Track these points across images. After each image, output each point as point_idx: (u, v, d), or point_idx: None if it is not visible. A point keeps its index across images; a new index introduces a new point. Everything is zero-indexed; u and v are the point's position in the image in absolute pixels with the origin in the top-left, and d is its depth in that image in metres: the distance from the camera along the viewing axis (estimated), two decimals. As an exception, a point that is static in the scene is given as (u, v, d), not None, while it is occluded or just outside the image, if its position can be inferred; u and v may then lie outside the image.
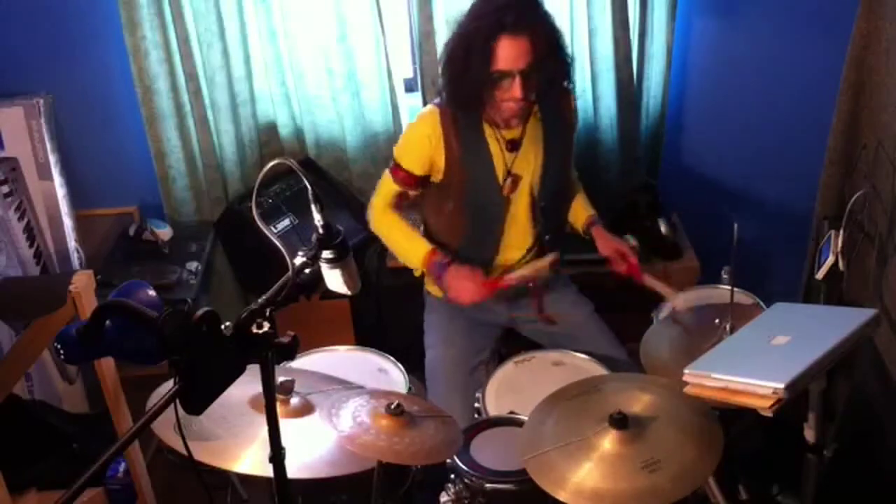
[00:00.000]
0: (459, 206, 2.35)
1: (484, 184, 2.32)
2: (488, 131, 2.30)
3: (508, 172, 2.32)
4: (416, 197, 2.44)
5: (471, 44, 2.14)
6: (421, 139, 2.30)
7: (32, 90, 2.85)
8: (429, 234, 2.49)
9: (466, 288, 2.28)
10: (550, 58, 2.19)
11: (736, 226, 1.88)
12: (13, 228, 2.78)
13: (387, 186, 2.39)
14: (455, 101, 2.25)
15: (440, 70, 2.28)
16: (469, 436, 1.95)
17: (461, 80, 2.19)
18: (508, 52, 2.10)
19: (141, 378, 2.08)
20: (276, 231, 2.81)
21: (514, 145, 2.32)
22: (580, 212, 2.52)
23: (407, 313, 2.64)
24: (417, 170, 2.33)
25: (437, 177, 2.34)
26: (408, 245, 2.40)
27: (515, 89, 2.13)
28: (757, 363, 1.65)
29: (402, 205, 2.42)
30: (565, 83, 2.32)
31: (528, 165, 2.34)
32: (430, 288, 2.53)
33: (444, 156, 2.29)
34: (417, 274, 2.46)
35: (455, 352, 2.36)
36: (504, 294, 2.48)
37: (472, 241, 2.38)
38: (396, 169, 2.36)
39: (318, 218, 1.50)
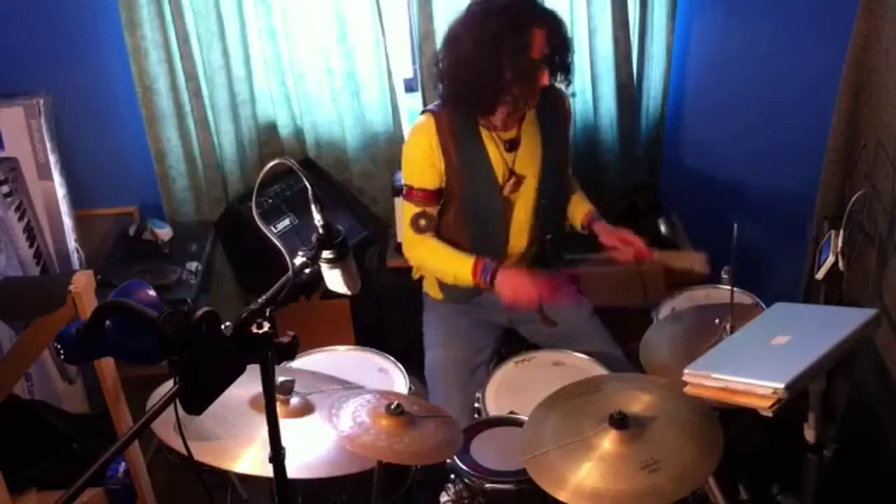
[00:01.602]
0: (460, 210, 2.35)
1: (484, 187, 2.32)
2: (485, 134, 2.30)
3: (511, 173, 2.32)
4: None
5: (500, 40, 2.12)
6: (421, 152, 2.29)
7: (32, 90, 2.85)
8: None
9: (522, 292, 2.21)
10: (564, 46, 2.23)
11: (736, 226, 1.88)
12: (13, 228, 2.78)
13: (408, 213, 2.35)
14: (473, 103, 2.23)
15: (447, 77, 2.24)
16: (469, 436, 1.95)
17: (491, 78, 2.15)
18: (540, 41, 2.15)
19: (141, 378, 2.08)
20: (276, 231, 2.81)
21: (512, 145, 2.32)
22: (578, 208, 2.52)
23: (407, 313, 2.63)
24: (431, 184, 2.31)
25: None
26: (451, 265, 2.33)
27: (545, 77, 2.17)
28: (757, 363, 1.65)
29: (428, 227, 2.35)
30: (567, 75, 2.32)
31: (530, 164, 2.34)
32: (429, 289, 2.53)
33: (443, 162, 2.29)
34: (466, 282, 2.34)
35: (455, 352, 2.36)
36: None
37: (478, 245, 2.37)
38: (410, 192, 2.32)
39: (318, 218, 1.50)
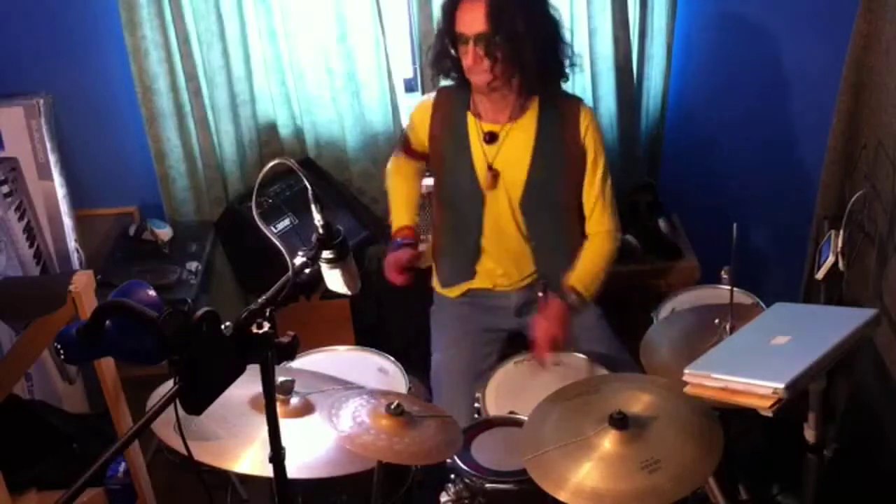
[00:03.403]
0: (438, 191, 2.42)
1: (461, 172, 2.32)
2: (471, 120, 2.31)
3: (489, 166, 2.30)
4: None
5: (443, 6, 2.25)
6: (417, 117, 2.41)
7: (32, 90, 2.85)
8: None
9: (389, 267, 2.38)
10: (511, 32, 2.11)
11: (736, 226, 1.88)
12: (13, 228, 2.78)
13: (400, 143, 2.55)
14: (431, 63, 2.34)
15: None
16: (469, 436, 1.95)
17: (436, 41, 2.29)
18: (464, 15, 2.16)
19: (141, 378, 2.08)
20: (276, 231, 2.81)
21: (491, 138, 2.29)
22: (571, 273, 2.31)
23: (407, 313, 2.64)
24: (416, 146, 2.45)
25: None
26: (393, 203, 2.52)
27: (468, 55, 2.16)
28: (757, 363, 1.65)
29: (406, 148, 2.50)
30: (559, 76, 2.29)
31: (509, 164, 2.29)
32: (436, 284, 2.52)
33: (428, 135, 2.36)
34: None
35: (462, 358, 2.32)
36: (509, 299, 2.44)
37: (453, 230, 2.40)
38: (404, 136, 2.50)
39: (318, 218, 1.50)
